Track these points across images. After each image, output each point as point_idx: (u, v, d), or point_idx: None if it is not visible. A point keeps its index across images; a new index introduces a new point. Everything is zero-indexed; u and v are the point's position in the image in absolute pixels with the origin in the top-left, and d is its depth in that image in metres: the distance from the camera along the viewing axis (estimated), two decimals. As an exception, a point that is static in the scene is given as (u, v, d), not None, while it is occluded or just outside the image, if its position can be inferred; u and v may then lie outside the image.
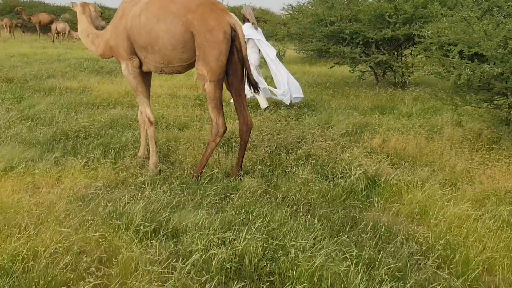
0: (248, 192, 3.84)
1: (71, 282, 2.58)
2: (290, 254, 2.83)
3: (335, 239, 3.12)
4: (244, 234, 2.98)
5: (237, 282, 2.63)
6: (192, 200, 3.71)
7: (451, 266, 2.93)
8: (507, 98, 5.05)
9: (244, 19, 7.43)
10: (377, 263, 2.87)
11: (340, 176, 4.31)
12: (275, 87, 7.40)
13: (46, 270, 2.61)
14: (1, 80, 9.02)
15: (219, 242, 2.96)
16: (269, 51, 7.36)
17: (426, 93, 8.48)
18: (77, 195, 3.72)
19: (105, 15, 12.81)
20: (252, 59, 7.03)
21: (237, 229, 3.14)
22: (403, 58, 9.93)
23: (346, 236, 3.19)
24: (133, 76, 4.39)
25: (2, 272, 2.62)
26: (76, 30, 19.87)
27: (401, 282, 2.66)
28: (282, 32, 11.68)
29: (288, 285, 2.61)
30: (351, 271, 2.70)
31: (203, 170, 4.27)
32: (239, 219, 3.34)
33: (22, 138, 5.15)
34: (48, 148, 4.86)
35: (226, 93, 5.05)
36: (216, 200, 3.73)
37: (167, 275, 2.67)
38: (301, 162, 4.67)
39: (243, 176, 4.24)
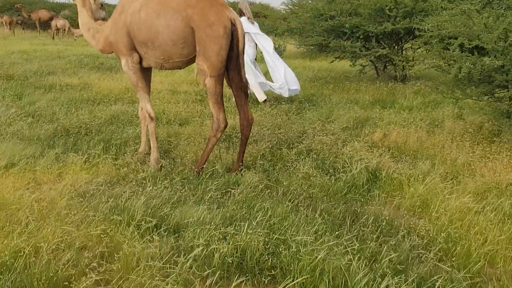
0: (249, 187, 3.84)
1: (73, 278, 2.58)
2: (292, 248, 2.83)
3: (337, 233, 3.13)
4: (245, 229, 2.98)
5: (239, 276, 2.64)
6: (193, 195, 3.71)
7: (453, 259, 2.93)
8: (508, 90, 5.03)
9: (241, 13, 7.42)
10: (378, 257, 2.87)
11: (341, 170, 4.31)
12: (272, 81, 7.39)
13: (48, 266, 2.62)
14: (1, 77, 9.01)
15: (221, 237, 2.96)
16: (266, 45, 7.34)
17: (427, 86, 8.45)
18: (79, 191, 3.73)
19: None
20: (249, 53, 7.01)
21: (238, 224, 3.14)
22: (404, 52, 9.90)
23: (347, 230, 3.19)
24: (133, 72, 4.38)
25: (4, 268, 2.63)
26: (76, 27, 19.98)
27: (403, 275, 2.65)
28: (282, 27, 11.67)
29: (290, 279, 2.62)
30: (352, 264, 2.70)
31: (204, 166, 4.27)
32: (240, 214, 3.34)
33: (23, 134, 5.16)
34: (49, 145, 4.87)
35: (226, 89, 5.04)
36: (217, 195, 3.73)
37: (168, 270, 2.67)
38: (302, 157, 4.67)
39: (244, 171, 4.24)
